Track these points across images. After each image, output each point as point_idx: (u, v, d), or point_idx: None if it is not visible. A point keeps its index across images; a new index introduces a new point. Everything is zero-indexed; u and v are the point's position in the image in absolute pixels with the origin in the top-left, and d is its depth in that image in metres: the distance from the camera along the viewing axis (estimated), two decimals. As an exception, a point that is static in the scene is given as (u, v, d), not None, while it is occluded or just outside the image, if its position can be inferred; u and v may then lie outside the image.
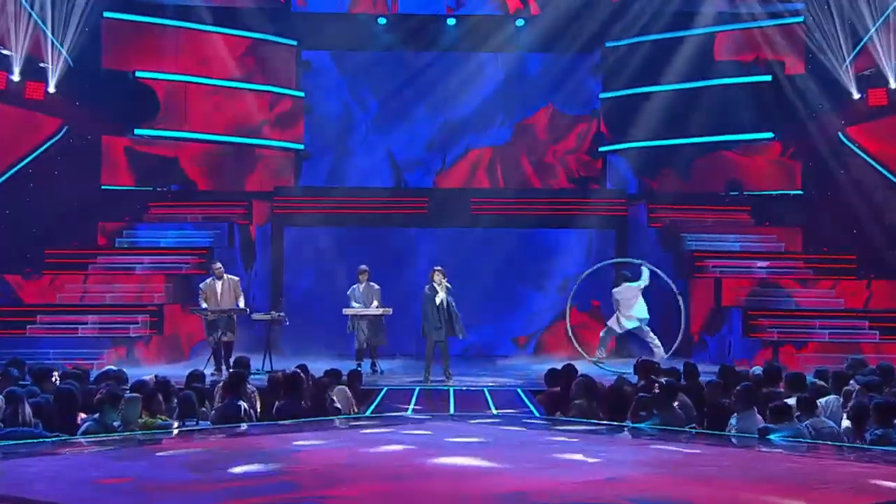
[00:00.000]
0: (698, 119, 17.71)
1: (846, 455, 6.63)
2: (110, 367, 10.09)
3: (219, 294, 13.53)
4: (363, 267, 14.22)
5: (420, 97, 18.68)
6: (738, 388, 7.80)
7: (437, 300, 12.88)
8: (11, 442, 6.47)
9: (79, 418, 7.49)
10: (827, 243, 16.72)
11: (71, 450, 6.58)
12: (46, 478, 5.46)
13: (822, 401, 8.00)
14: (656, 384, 8.42)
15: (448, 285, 13.02)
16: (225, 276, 13.68)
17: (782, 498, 5.03)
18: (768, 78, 17.35)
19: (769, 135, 17.64)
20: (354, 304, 14.02)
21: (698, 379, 9.10)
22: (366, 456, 6.27)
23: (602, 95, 18.76)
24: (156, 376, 8.71)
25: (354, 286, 14.20)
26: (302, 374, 8.86)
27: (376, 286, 14.13)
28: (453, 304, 13.00)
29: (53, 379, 8.61)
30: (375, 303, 13.97)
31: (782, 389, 8.39)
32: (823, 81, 16.49)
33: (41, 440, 6.68)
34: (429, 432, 7.64)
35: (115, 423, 7.02)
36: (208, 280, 13.76)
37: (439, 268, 13.15)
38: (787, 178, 17.65)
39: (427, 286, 13.06)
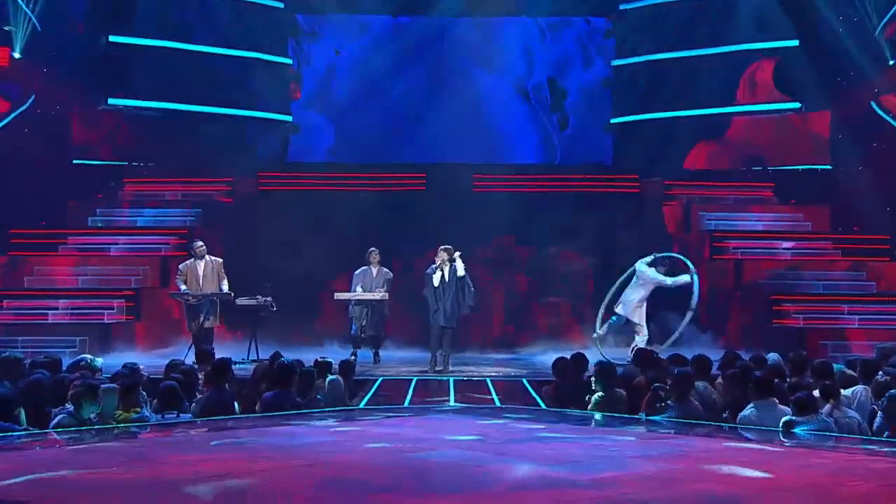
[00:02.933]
0: (718, 88, 17.69)
1: (870, 449, 6.67)
2: (83, 356, 10.11)
3: (200, 276, 13.51)
4: (373, 249, 14.15)
5: (420, 65, 18.63)
6: (752, 377, 7.86)
7: (435, 281, 12.90)
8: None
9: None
10: (857, 222, 16.72)
11: (42, 444, 6.62)
12: (15, 474, 5.49)
13: (849, 391, 8.05)
14: (670, 375, 8.45)
15: (461, 265, 12.98)
16: (207, 256, 13.66)
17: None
18: (795, 43, 17.31)
19: (795, 105, 17.61)
20: (359, 288, 13.94)
21: (709, 373, 9.08)
22: (355, 450, 6.31)
23: (615, 63, 18.73)
24: (125, 365, 8.75)
25: (364, 268, 14.08)
26: (295, 365, 8.89)
27: (387, 271, 14.09)
28: (467, 282, 12.97)
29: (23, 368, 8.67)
30: (383, 288, 13.91)
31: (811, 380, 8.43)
32: (855, 47, 16.43)
33: (9, 434, 6.71)
34: (423, 425, 7.67)
35: (92, 417, 7.05)
36: (188, 261, 13.74)
37: (445, 247, 13.13)
38: (814, 151, 17.63)
39: (430, 266, 13.10)
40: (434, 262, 13.05)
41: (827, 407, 7.40)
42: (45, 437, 6.81)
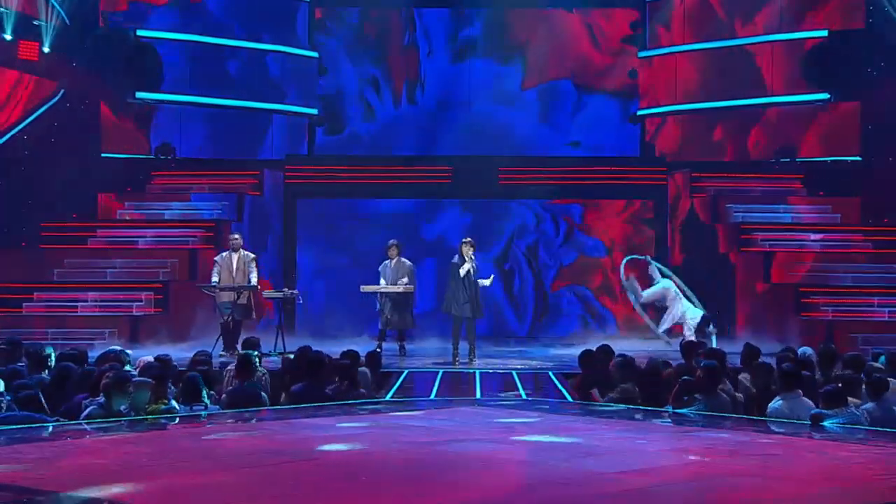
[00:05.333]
0: (747, 79, 17.58)
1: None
2: (111, 348, 10.18)
3: (234, 268, 13.60)
4: (393, 241, 14.19)
5: (445, 56, 18.61)
6: (778, 369, 7.80)
7: (462, 272, 12.91)
8: (10, 427, 6.57)
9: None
10: (888, 214, 16.58)
11: (73, 435, 6.68)
12: (47, 465, 5.55)
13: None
14: (699, 367, 8.40)
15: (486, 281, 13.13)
16: (241, 250, 13.75)
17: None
18: (824, 33, 17.15)
19: (825, 96, 17.46)
20: (382, 281, 13.99)
21: (724, 367, 9.02)
22: (387, 443, 6.32)
23: (641, 54, 18.63)
24: (157, 357, 8.80)
25: (385, 262, 14.13)
26: (326, 357, 8.93)
27: (408, 262, 14.13)
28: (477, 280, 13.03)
29: (51, 361, 8.74)
30: (405, 279, 13.94)
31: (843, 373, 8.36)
32: (885, 36, 16.27)
33: (41, 425, 6.78)
34: (449, 418, 7.67)
35: (123, 408, 7.10)
36: (224, 253, 13.85)
37: (468, 239, 13.16)
38: (843, 143, 17.45)
39: (455, 257, 13.14)
40: (459, 254, 13.07)
41: (869, 404, 7.29)
42: (76, 428, 6.86)
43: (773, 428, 7.20)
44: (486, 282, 13.20)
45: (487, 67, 18.45)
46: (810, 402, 7.48)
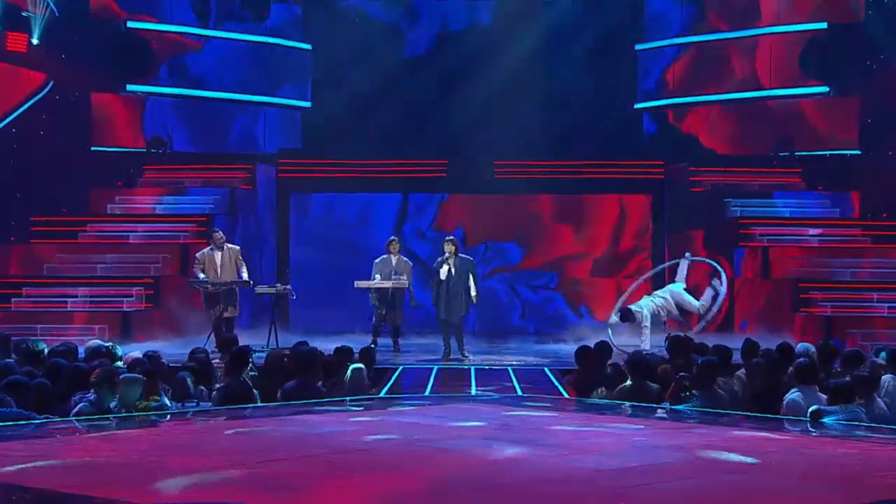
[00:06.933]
0: (745, 72, 17.59)
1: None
2: (100, 343, 10.14)
3: (218, 265, 13.56)
4: (394, 238, 14.19)
5: (440, 49, 18.59)
6: (796, 362, 7.83)
7: (442, 274, 12.82)
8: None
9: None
10: (887, 208, 16.61)
11: (64, 432, 6.67)
12: (40, 462, 5.54)
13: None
14: (696, 364, 8.41)
15: (469, 258, 13.04)
16: (226, 245, 13.71)
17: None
18: (824, 25, 17.17)
19: (824, 88, 17.48)
20: (378, 276, 13.95)
21: (730, 364, 9.04)
22: (381, 440, 6.33)
23: (639, 47, 18.63)
24: (146, 353, 8.79)
25: (384, 257, 14.09)
26: (318, 353, 8.93)
27: (408, 261, 14.13)
28: (471, 277, 12.91)
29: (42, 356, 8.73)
30: (403, 277, 13.93)
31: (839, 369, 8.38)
32: (885, 28, 16.29)
33: (31, 422, 6.77)
34: (444, 415, 7.68)
35: (112, 405, 7.10)
36: (206, 250, 13.79)
37: (450, 237, 13.12)
38: (843, 136, 17.49)
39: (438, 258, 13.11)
40: (442, 255, 13.00)
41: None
42: (66, 425, 6.86)
43: (771, 424, 7.22)
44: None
45: (483, 64, 18.40)
46: (823, 398, 7.49)
